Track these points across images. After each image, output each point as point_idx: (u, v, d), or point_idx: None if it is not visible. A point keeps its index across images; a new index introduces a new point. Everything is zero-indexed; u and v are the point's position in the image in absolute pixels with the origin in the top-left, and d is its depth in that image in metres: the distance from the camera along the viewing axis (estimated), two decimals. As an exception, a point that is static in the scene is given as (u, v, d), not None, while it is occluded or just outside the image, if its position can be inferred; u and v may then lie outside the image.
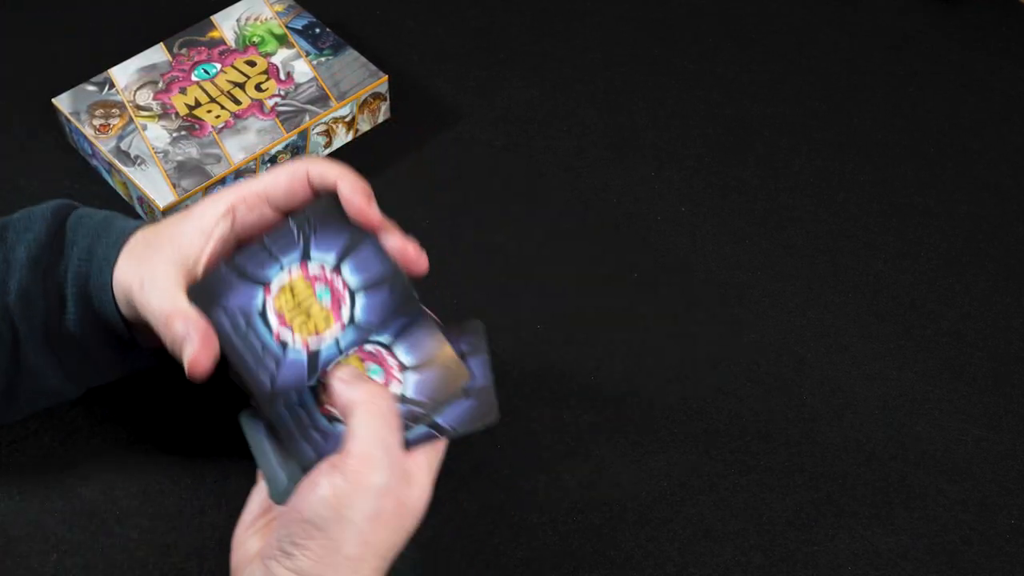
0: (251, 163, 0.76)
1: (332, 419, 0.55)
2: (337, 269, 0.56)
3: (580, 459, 0.68)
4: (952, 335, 0.74)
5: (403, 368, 0.57)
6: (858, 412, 0.70)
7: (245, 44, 0.82)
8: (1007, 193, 0.82)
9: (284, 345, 0.55)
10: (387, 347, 0.57)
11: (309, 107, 0.79)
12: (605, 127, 0.85)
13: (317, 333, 0.55)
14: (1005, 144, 0.85)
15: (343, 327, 0.56)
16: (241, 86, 0.80)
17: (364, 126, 0.83)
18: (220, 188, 0.55)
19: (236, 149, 0.76)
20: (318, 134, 0.80)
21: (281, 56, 0.82)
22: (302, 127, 0.78)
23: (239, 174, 0.76)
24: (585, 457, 0.68)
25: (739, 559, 0.64)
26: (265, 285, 0.56)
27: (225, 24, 0.83)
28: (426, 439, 0.55)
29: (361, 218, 0.57)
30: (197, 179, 0.75)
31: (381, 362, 0.57)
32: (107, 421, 0.68)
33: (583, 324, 0.74)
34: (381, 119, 0.84)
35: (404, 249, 0.57)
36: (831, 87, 0.88)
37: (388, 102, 0.83)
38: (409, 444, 0.55)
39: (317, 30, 0.83)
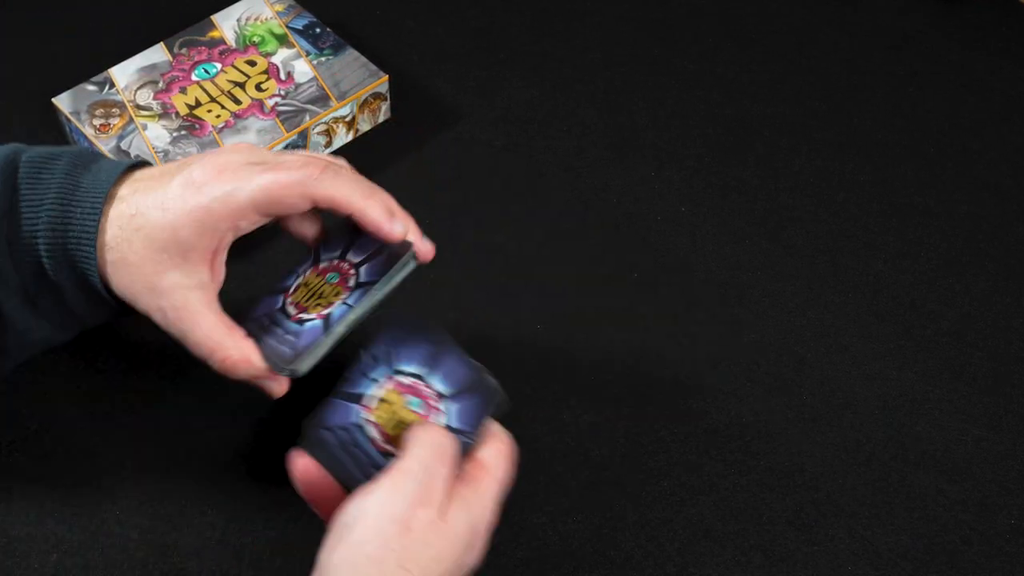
0: (251, 163, 0.76)
1: (386, 454, 0.58)
2: (424, 380, 0.60)
3: (580, 459, 0.68)
4: (952, 335, 0.74)
5: (441, 397, 0.59)
6: (858, 412, 0.70)
7: (245, 44, 0.82)
8: (1007, 193, 0.82)
9: (386, 454, 0.58)
10: (422, 378, 0.60)
11: (309, 107, 0.79)
12: (605, 127, 0.85)
13: (329, 303, 0.59)
14: (1005, 144, 0.85)
15: (349, 291, 0.59)
16: (241, 86, 0.80)
17: (364, 126, 0.83)
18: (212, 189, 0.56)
19: (236, 149, 0.76)
20: (318, 134, 0.80)
21: (281, 56, 0.82)
22: (302, 127, 0.78)
23: (239, 174, 0.76)
24: (585, 457, 0.68)
25: (739, 559, 0.64)
26: (360, 401, 0.60)
27: (225, 24, 0.83)
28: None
29: (383, 238, 0.59)
30: (197, 179, 0.75)
31: (418, 393, 0.59)
32: (107, 421, 0.68)
33: (583, 324, 0.74)
34: (381, 119, 0.84)
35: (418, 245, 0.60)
36: (831, 87, 0.88)
37: (388, 102, 0.83)
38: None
39: (317, 30, 0.83)
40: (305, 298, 0.60)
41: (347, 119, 0.81)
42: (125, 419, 0.68)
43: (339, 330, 0.58)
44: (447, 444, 0.55)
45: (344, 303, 0.58)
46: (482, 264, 0.77)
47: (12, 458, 0.66)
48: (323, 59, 0.82)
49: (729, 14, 0.93)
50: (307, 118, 0.78)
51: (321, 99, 0.79)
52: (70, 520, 0.64)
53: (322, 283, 0.60)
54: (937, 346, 0.74)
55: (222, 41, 0.82)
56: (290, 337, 0.58)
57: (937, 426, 0.70)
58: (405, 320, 0.62)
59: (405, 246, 0.60)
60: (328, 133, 0.80)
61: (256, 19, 0.84)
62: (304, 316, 0.59)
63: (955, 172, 0.83)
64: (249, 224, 0.57)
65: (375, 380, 0.60)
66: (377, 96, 0.82)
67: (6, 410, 0.67)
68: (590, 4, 0.93)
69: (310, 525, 0.64)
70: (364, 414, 0.59)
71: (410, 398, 0.59)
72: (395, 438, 0.58)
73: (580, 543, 0.64)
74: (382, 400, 0.59)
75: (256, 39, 0.82)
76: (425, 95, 0.86)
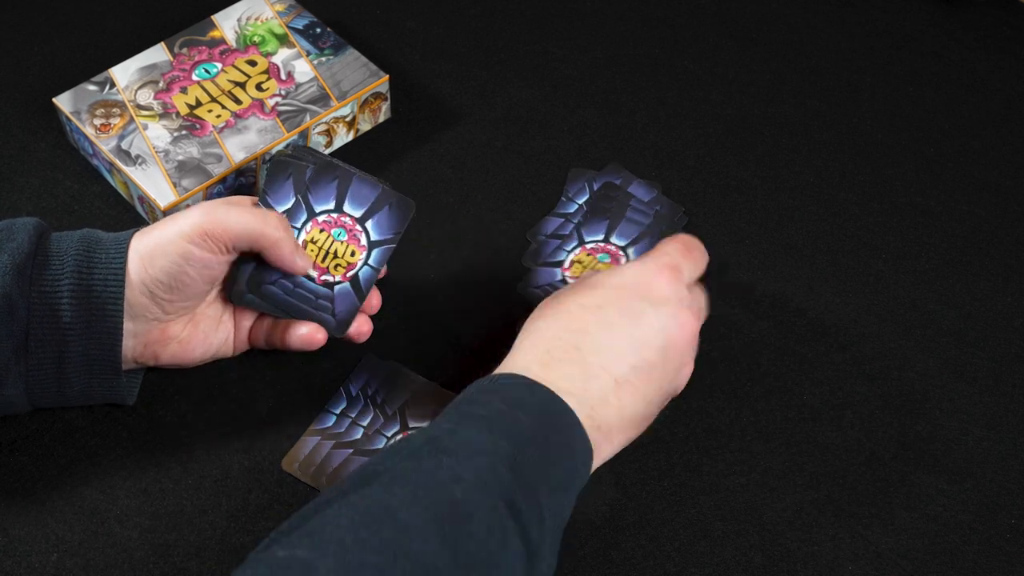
0: (252, 163, 0.76)
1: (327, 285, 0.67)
2: (340, 210, 0.68)
3: (580, 459, 0.68)
4: (952, 335, 0.74)
5: (356, 220, 0.68)
6: (858, 412, 0.70)
7: (246, 44, 0.82)
8: (1007, 193, 0.82)
9: (330, 285, 0.67)
10: (336, 211, 0.68)
11: (310, 107, 0.79)
12: (605, 127, 0.85)
13: (350, 265, 0.67)
14: (1005, 144, 0.85)
15: (366, 251, 0.67)
16: (242, 86, 0.80)
17: (365, 126, 0.83)
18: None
19: (237, 149, 0.76)
20: (319, 134, 0.80)
21: (282, 56, 0.82)
22: (303, 127, 0.78)
23: (240, 173, 0.76)
24: (585, 457, 0.68)
25: (739, 559, 0.64)
26: None
27: (226, 24, 0.83)
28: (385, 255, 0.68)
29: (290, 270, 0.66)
30: (198, 178, 0.75)
31: (338, 224, 0.67)
32: (107, 421, 0.68)
33: (583, 324, 0.74)
34: (381, 119, 0.84)
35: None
36: (831, 87, 0.88)
37: (388, 102, 0.83)
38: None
39: (318, 30, 0.83)
40: (320, 257, 0.67)
41: (347, 119, 0.81)
42: (125, 419, 0.68)
43: (366, 289, 0.67)
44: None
45: (366, 264, 0.67)
46: (482, 264, 0.77)
47: (12, 458, 0.66)
48: (323, 59, 0.81)
49: (729, 14, 0.93)
50: (307, 118, 0.78)
51: (321, 99, 0.79)
52: (70, 520, 0.64)
53: (330, 240, 0.67)
54: (937, 346, 0.74)
55: (222, 41, 0.82)
56: (324, 302, 0.67)
57: (937, 426, 0.70)
58: (359, 174, 0.69)
59: (406, 201, 0.68)
60: (328, 133, 0.80)
61: (256, 19, 0.84)
62: (328, 279, 0.67)
63: (955, 172, 0.83)
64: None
65: (298, 228, 0.67)
66: (377, 96, 0.82)
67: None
68: (590, 4, 0.93)
69: (310, 525, 0.64)
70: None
71: (333, 230, 0.67)
72: (329, 267, 0.67)
73: (580, 543, 0.64)
74: (308, 242, 0.67)
75: (256, 39, 0.82)
76: (425, 95, 0.86)
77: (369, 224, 0.68)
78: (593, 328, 0.59)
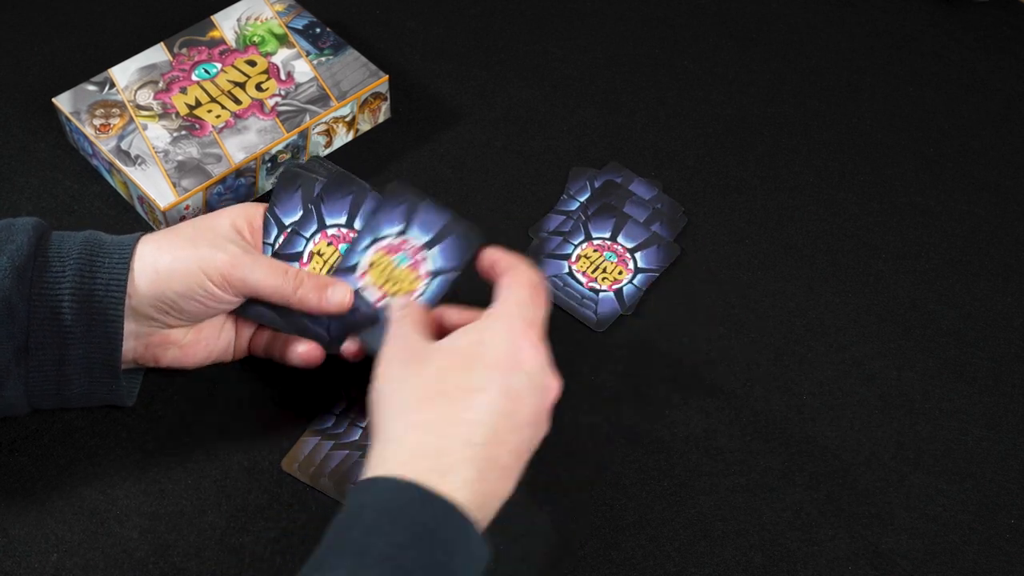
0: (251, 163, 0.76)
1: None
2: (404, 234, 0.67)
3: (580, 459, 0.68)
4: (952, 335, 0.74)
5: (423, 247, 0.66)
6: (858, 412, 0.70)
7: (245, 44, 0.82)
8: (1007, 193, 0.82)
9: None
10: (402, 234, 0.66)
11: (310, 107, 0.79)
12: (605, 127, 0.85)
13: (409, 292, 0.66)
14: (1005, 144, 0.85)
15: (428, 278, 0.66)
16: (241, 86, 0.80)
17: (364, 126, 0.83)
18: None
19: (236, 149, 0.76)
20: (318, 134, 0.80)
21: (281, 56, 0.82)
22: (303, 127, 0.78)
23: (239, 174, 0.76)
24: (585, 457, 0.68)
25: (739, 559, 0.64)
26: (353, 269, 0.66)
27: (225, 24, 0.83)
28: (445, 286, 0.66)
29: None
30: (198, 179, 0.75)
31: (402, 249, 0.66)
32: (107, 421, 0.68)
33: (583, 324, 0.74)
34: (381, 119, 0.84)
35: None
36: (831, 87, 0.88)
37: (388, 102, 0.83)
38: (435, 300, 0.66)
39: (317, 30, 0.83)
40: (381, 282, 0.66)
41: (347, 119, 0.81)
42: (125, 419, 0.68)
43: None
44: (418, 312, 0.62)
45: (424, 293, 0.66)
46: (482, 264, 0.77)
47: (12, 458, 0.66)
48: (323, 59, 0.81)
49: (729, 14, 0.93)
50: (307, 118, 0.78)
51: (321, 99, 0.79)
52: (70, 520, 0.64)
53: (391, 265, 0.66)
54: (937, 346, 0.74)
55: (222, 41, 0.82)
56: (322, 319, 0.65)
57: (937, 426, 0.70)
58: (373, 191, 0.68)
59: (471, 230, 0.67)
60: (328, 133, 0.80)
61: (256, 19, 0.84)
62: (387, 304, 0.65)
63: (955, 172, 0.83)
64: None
65: (362, 251, 0.66)
66: (377, 96, 0.82)
67: (6, 410, 0.67)
68: (590, 4, 0.93)
69: (310, 525, 0.64)
70: (359, 280, 0.65)
71: (397, 255, 0.66)
72: (391, 293, 0.65)
73: (580, 543, 0.64)
74: (371, 264, 0.66)
75: (256, 39, 0.82)
76: (425, 95, 0.86)
77: (435, 251, 0.66)
78: (480, 416, 0.55)
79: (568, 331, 0.73)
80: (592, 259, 0.75)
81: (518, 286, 0.60)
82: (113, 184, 0.79)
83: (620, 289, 0.74)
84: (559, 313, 0.74)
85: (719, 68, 0.89)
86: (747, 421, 0.70)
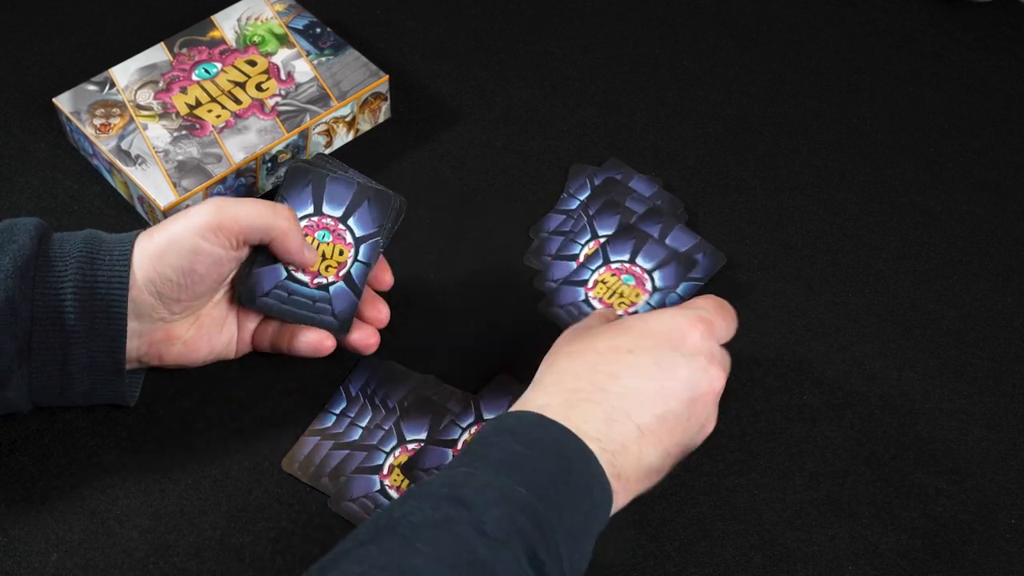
0: (252, 163, 0.76)
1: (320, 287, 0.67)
2: (320, 212, 0.68)
3: (580, 459, 0.68)
4: (952, 335, 0.74)
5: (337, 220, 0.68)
6: (858, 412, 0.70)
7: (246, 44, 0.82)
8: (1007, 193, 0.82)
9: (324, 286, 0.67)
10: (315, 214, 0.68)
11: (310, 107, 0.79)
12: (605, 127, 0.85)
13: (340, 264, 0.67)
14: (1005, 144, 0.85)
15: (353, 247, 0.67)
16: (242, 86, 0.80)
17: (365, 126, 0.83)
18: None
19: (237, 149, 0.76)
20: (319, 134, 0.80)
21: (282, 56, 0.82)
22: (303, 127, 0.78)
23: (240, 174, 0.76)
24: (585, 457, 0.68)
25: (739, 559, 0.64)
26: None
27: (226, 24, 0.83)
28: (371, 250, 0.68)
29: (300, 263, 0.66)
30: (198, 179, 0.75)
31: (322, 227, 0.68)
32: (107, 421, 0.68)
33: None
34: (381, 119, 0.84)
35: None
36: (831, 87, 0.88)
37: (388, 102, 0.83)
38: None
39: (318, 30, 0.83)
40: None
41: (347, 119, 0.81)
42: (125, 419, 0.68)
43: (360, 285, 0.67)
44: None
45: (356, 261, 0.67)
46: (482, 264, 0.76)
47: (12, 458, 0.66)
48: (323, 59, 0.81)
49: (729, 14, 0.93)
50: (307, 118, 0.78)
51: (321, 99, 0.79)
52: (70, 520, 0.64)
53: (316, 243, 0.67)
54: (937, 346, 0.74)
55: (222, 41, 0.82)
56: (323, 304, 0.67)
57: (937, 426, 0.70)
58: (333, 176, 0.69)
59: (392, 197, 0.68)
60: (328, 133, 0.80)
61: (256, 19, 0.84)
62: (320, 281, 0.67)
63: (955, 172, 0.83)
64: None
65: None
66: (377, 96, 0.82)
67: (6, 410, 0.67)
68: (590, 4, 0.93)
69: (310, 525, 0.64)
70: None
71: (317, 233, 0.68)
72: (320, 270, 0.67)
73: (580, 543, 0.64)
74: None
75: (256, 39, 0.82)
76: (425, 95, 0.86)
77: (351, 221, 0.68)
78: (621, 371, 0.58)
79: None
80: (609, 284, 0.74)
81: (703, 299, 0.64)
82: (113, 184, 0.79)
83: (637, 312, 0.73)
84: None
85: (719, 68, 0.89)
86: (747, 421, 0.70)
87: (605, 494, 0.55)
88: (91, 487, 0.65)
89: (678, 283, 0.74)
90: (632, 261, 0.75)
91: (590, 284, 0.74)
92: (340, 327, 0.67)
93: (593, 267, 0.75)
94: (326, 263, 0.67)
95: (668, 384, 0.58)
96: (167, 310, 0.63)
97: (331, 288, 0.67)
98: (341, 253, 0.67)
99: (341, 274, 0.67)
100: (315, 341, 0.66)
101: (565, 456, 0.54)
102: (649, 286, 0.74)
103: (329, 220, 0.68)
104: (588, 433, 0.56)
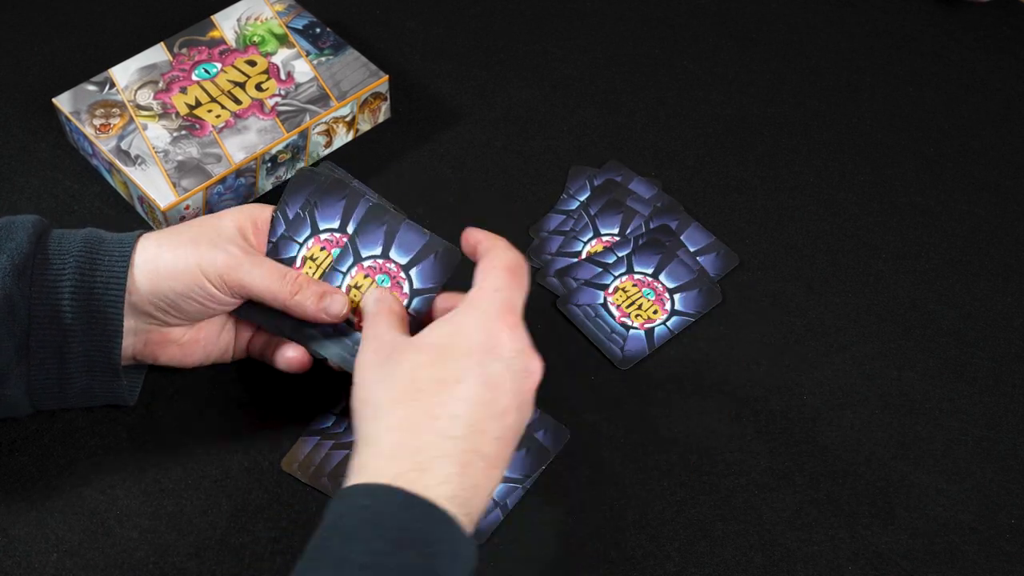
0: (251, 163, 0.76)
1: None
2: (386, 256, 0.66)
3: (580, 459, 0.68)
4: (952, 335, 0.74)
5: (401, 268, 0.66)
6: (858, 412, 0.70)
7: (245, 44, 0.82)
8: (1007, 193, 0.82)
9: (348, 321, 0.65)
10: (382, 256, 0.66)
11: (309, 107, 0.79)
12: (605, 127, 0.85)
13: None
14: (1005, 144, 0.85)
15: (408, 298, 0.65)
16: (241, 86, 0.80)
17: (364, 126, 0.83)
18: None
19: (236, 149, 0.76)
20: (318, 134, 0.80)
21: (281, 56, 0.82)
22: (302, 127, 0.78)
23: (239, 174, 0.76)
24: (585, 457, 0.68)
25: (739, 559, 0.64)
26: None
27: (225, 24, 0.83)
28: (425, 305, 0.65)
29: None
30: (198, 179, 0.75)
31: (384, 271, 0.66)
32: (107, 421, 0.68)
33: (583, 324, 0.74)
34: (381, 119, 0.84)
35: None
36: (831, 87, 0.88)
37: (388, 102, 0.83)
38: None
39: (317, 30, 0.83)
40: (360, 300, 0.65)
41: (347, 119, 0.81)
42: (125, 419, 0.68)
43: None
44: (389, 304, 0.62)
45: (408, 311, 0.65)
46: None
47: (12, 458, 0.66)
48: (323, 59, 0.81)
49: (729, 14, 0.93)
50: (307, 118, 0.78)
51: (321, 99, 0.79)
52: (70, 520, 0.64)
53: (373, 285, 0.65)
54: (937, 346, 0.74)
55: (222, 41, 0.82)
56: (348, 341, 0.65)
57: (937, 426, 0.70)
58: (367, 197, 0.67)
59: (457, 253, 0.65)
60: (328, 133, 0.80)
61: (256, 19, 0.84)
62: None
63: (955, 172, 0.83)
64: None
65: (345, 271, 0.66)
66: (377, 96, 0.82)
67: (6, 410, 0.67)
68: (590, 4, 0.93)
69: (310, 525, 0.64)
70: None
71: (378, 276, 0.66)
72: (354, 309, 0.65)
73: (580, 543, 0.64)
74: (355, 285, 0.66)
75: (256, 39, 0.82)
76: (425, 95, 0.86)
77: (413, 272, 0.66)
78: (459, 408, 0.54)
79: (570, 332, 0.73)
80: (629, 293, 0.74)
81: (494, 270, 0.59)
82: (113, 184, 0.79)
83: (652, 329, 0.73)
84: (584, 342, 0.74)
85: (719, 68, 0.89)
86: (747, 421, 0.70)
87: (469, 556, 0.53)
88: (91, 487, 0.65)
89: (697, 312, 0.74)
90: (655, 276, 0.75)
91: (611, 290, 0.74)
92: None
93: (616, 273, 0.75)
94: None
95: (501, 401, 0.55)
96: (163, 319, 0.63)
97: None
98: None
99: None
100: (293, 359, 0.65)
101: (430, 542, 0.51)
102: (668, 307, 0.73)
103: (393, 266, 0.66)
104: (446, 494, 0.52)
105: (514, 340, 0.57)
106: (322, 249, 0.66)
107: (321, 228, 0.66)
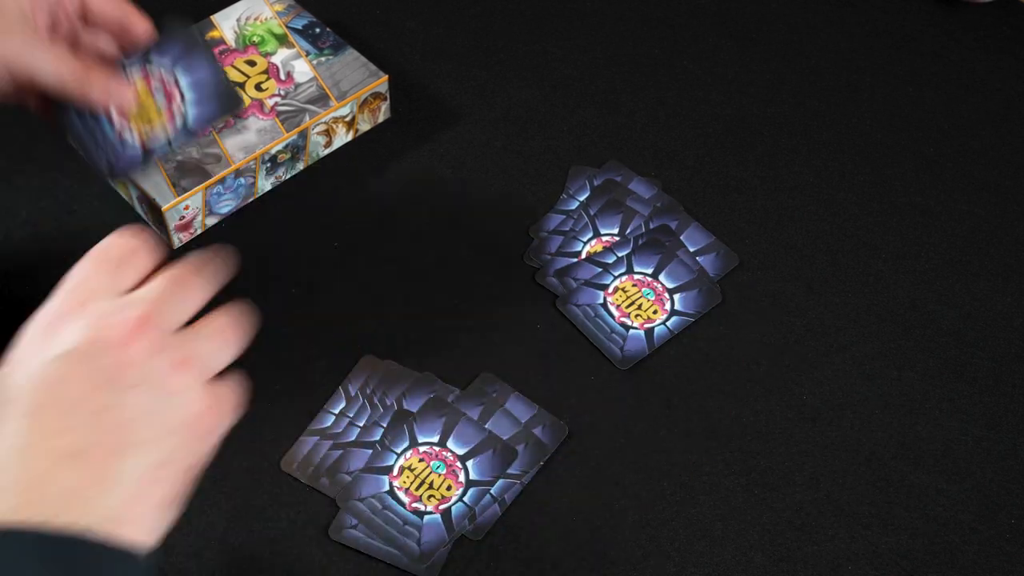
0: (251, 163, 0.76)
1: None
2: (173, 76, 0.63)
3: (580, 459, 0.68)
4: (952, 335, 0.74)
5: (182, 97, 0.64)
6: (858, 412, 0.70)
7: (245, 44, 0.82)
8: (1007, 193, 0.82)
9: (123, 141, 0.63)
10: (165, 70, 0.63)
11: (309, 107, 0.79)
12: (605, 127, 0.85)
13: (151, 130, 0.63)
14: (1005, 144, 0.85)
15: (175, 127, 0.64)
16: (241, 86, 0.80)
17: (364, 126, 0.83)
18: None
19: (236, 149, 0.76)
20: (318, 134, 0.80)
21: (281, 56, 0.82)
22: (302, 127, 0.78)
23: (239, 174, 0.76)
24: (585, 457, 0.68)
25: (739, 559, 0.64)
26: None
27: (225, 24, 0.83)
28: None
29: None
30: (197, 179, 0.75)
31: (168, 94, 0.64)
32: (107, 421, 0.68)
33: (583, 324, 0.73)
34: (381, 119, 0.84)
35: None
36: (831, 87, 0.88)
37: (388, 102, 0.83)
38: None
39: (317, 30, 0.83)
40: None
41: (347, 119, 0.81)
42: (125, 419, 0.68)
43: (153, 162, 0.65)
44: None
45: (167, 138, 0.63)
46: (482, 264, 0.76)
47: (12, 458, 0.66)
48: (323, 59, 0.81)
49: (729, 14, 0.93)
50: (307, 118, 0.78)
51: (321, 99, 0.79)
52: (70, 520, 0.64)
53: (149, 97, 0.63)
54: (937, 346, 0.74)
55: (222, 41, 0.82)
56: (108, 151, 0.63)
57: (937, 426, 0.70)
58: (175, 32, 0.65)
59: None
60: (328, 133, 0.80)
61: (256, 19, 0.84)
62: (126, 135, 0.63)
63: (955, 172, 0.83)
64: None
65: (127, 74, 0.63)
66: (377, 96, 0.82)
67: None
68: (590, 4, 0.93)
69: (310, 525, 0.64)
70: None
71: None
72: (423, 497, 0.65)
73: (580, 543, 0.64)
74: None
75: (256, 39, 0.82)
76: (425, 95, 0.86)
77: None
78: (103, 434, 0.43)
79: (569, 332, 0.73)
80: (629, 293, 0.74)
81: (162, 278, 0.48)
82: (113, 184, 0.79)
83: (652, 329, 0.73)
84: (584, 342, 0.74)
85: (719, 68, 0.89)
86: (747, 421, 0.70)
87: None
88: (91, 487, 0.65)
89: (697, 312, 0.74)
90: (655, 276, 0.75)
91: (610, 290, 0.74)
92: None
93: (616, 273, 0.75)
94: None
95: (72, 388, 0.44)
96: None
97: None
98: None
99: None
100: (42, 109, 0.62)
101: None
102: (668, 307, 0.73)
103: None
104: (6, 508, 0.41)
105: (152, 358, 0.45)
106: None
107: (152, 59, 0.63)
